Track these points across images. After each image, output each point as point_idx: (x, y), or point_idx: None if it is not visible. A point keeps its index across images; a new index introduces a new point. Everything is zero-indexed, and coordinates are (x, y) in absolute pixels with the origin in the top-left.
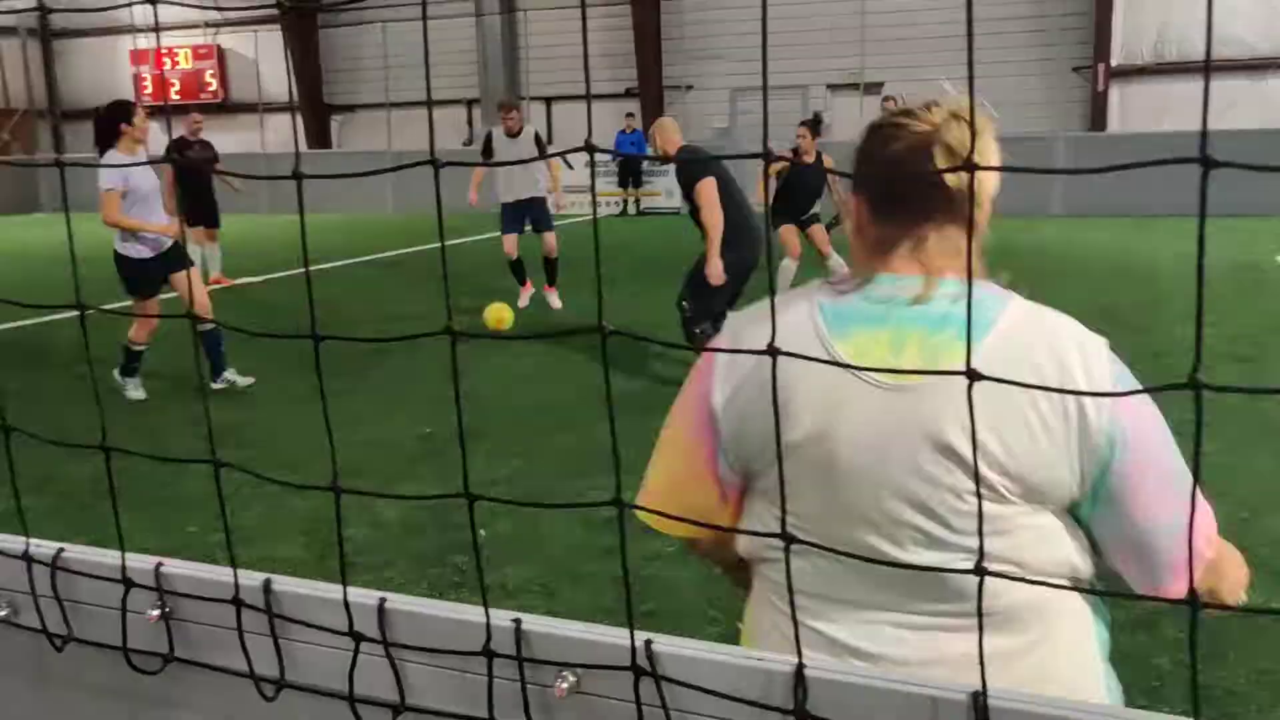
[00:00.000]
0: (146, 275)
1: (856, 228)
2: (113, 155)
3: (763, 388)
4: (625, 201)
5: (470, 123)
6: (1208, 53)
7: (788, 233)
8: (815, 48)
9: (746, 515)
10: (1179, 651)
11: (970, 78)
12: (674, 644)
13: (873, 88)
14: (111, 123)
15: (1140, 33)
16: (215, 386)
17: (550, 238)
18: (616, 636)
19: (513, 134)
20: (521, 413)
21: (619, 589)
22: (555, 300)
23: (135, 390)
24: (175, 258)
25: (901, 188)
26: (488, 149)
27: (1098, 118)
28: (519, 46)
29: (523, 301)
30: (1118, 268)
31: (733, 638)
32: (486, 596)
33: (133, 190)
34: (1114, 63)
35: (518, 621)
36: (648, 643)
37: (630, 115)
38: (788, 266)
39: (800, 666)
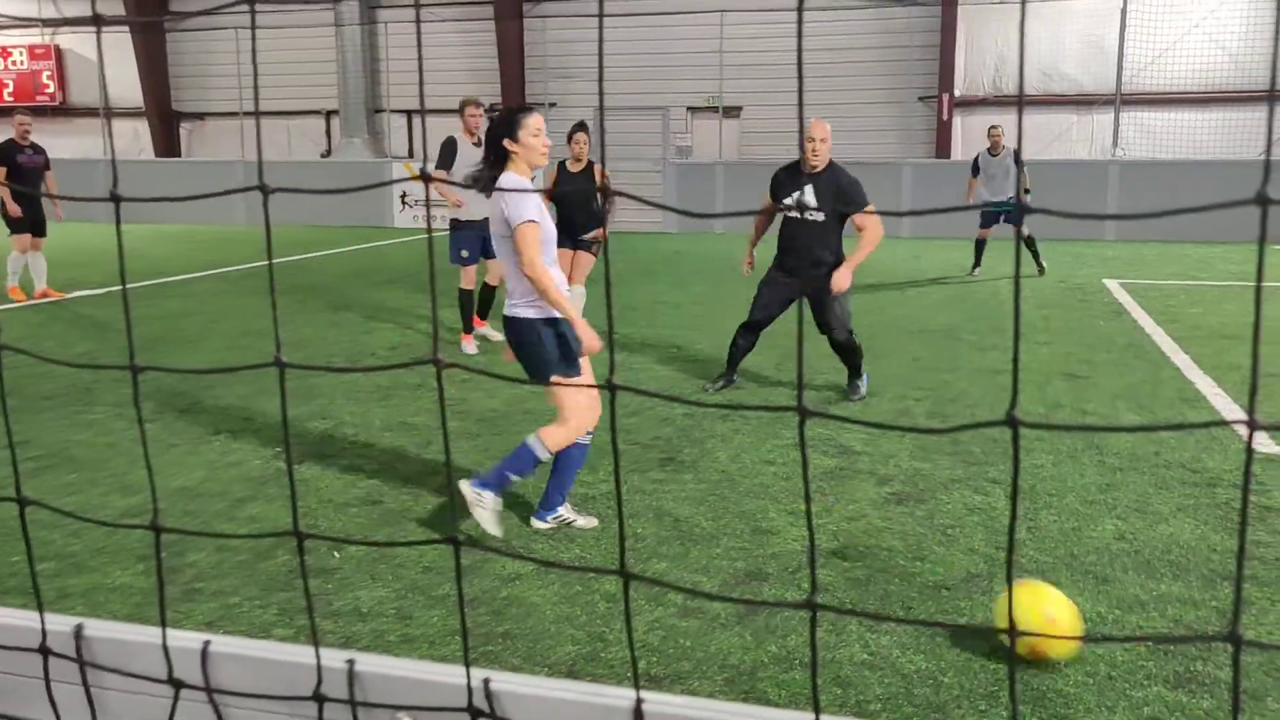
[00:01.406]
0: None
1: None
2: None
3: None
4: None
5: (329, 134)
6: (1021, 91)
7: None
8: (676, 70)
9: None
10: (1025, 665)
11: (803, 98)
12: (513, 681)
13: (731, 111)
14: None
15: (980, 67)
16: None
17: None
18: (453, 675)
19: (479, 139)
20: (377, 431)
21: (475, 610)
22: (494, 333)
23: None
24: None
25: None
26: (450, 157)
27: (942, 145)
28: (379, 59)
29: (470, 348)
30: (959, 287)
31: (591, 656)
32: (318, 638)
33: None
34: (957, 93)
35: (351, 663)
36: (486, 682)
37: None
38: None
39: (639, 701)
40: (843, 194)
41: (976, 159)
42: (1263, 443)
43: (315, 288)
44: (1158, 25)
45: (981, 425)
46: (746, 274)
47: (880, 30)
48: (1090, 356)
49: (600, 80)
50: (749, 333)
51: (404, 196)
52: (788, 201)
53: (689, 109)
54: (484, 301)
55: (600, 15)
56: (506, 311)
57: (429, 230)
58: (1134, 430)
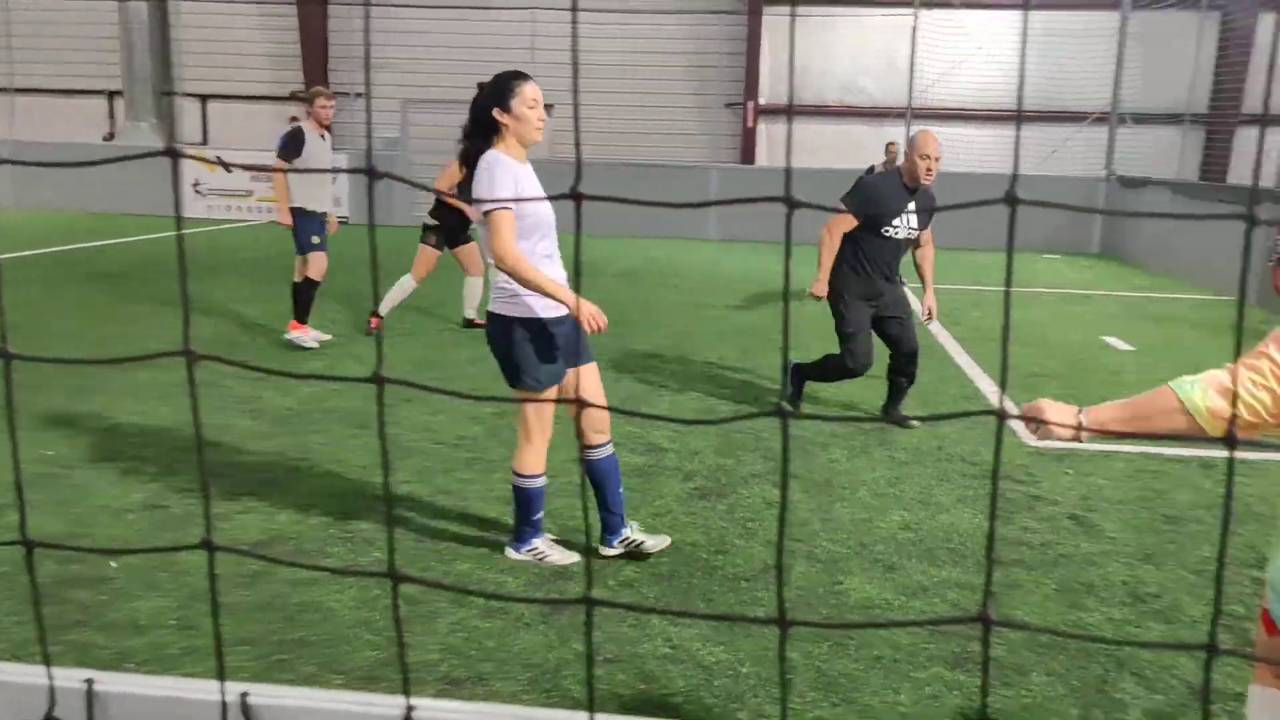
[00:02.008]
0: None
1: None
2: None
3: None
4: None
5: (111, 115)
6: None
7: (425, 250)
8: (488, 65)
9: None
10: (814, 644)
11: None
12: (275, 694)
13: (545, 108)
14: None
15: (784, 76)
16: None
17: (323, 258)
18: (205, 692)
19: (328, 130)
20: (157, 434)
21: (266, 615)
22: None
23: None
24: None
25: None
26: (298, 148)
27: (747, 151)
28: (171, 38)
29: (311, 341)
30: (761, 288)
31: (391, 661)
32: (49, 657)
33: None
34: (761, 101)
35: (90, 683)
36: (243, 696)
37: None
38: (405, 283)
39: (409, 708)
40: (930, 209)
41: (870, 170)
42: (1030, 436)
43: (114, 277)
44: (945, 45)
45: (749, 416)
46: (821, 296)
47: (688, 36)
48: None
49: (576, 76)
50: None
51: (196, 185)
52: (898, 223)
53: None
54: (305, 301)
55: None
56: (488, 307)
57: (373, 222)
58: (874, 421)
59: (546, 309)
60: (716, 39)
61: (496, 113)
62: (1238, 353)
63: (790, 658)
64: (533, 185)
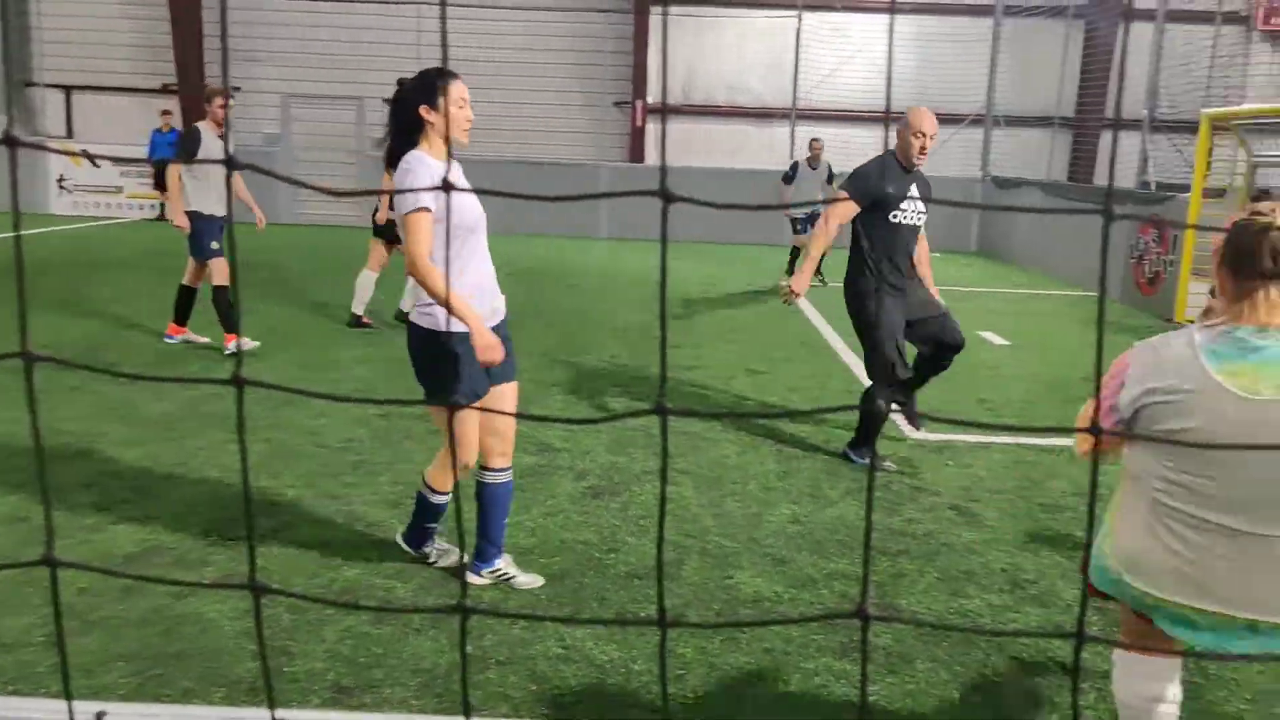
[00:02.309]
0: None
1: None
2: None
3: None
4: (161, 205)
5: None
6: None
7: (374, 244)
8: (372, 60)
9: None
10: (706, 639)
11: None
12: (136, 713)
13: None
14: None
15: (672, 76)
16: None
17: (224, 264)
18: (51, 712)
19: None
20: (21, 440)
21: (142, 630)
22: (197, 337)
23: None
24: None
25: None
26: (192, 148)
27: (636, 150)
28: (30, 26)
29: (236, 344)
30: (654, 287)
31: (274, 672)
32: None
33: None
34: (650, 100)
35: None
36: (99, 716)
37: (167, 113)
38: (367, 277)
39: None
40: (929, 192)
41: (795, 166)
42: (912, 428)
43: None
44: (827, 47)
45: (629, 415)
46: (798, 296)
47: (576, 35)
48: (769, 354)
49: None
50: (894, 387)
51: (61, 180)
52: (904, 206)
53: (385, 100)
54: (186, 305)
55: None
56: (412, 316)
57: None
58: (759, 417)
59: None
60: (604, 37)
61: (424, 110)
62: (1100, 346)
63: (683, 653)
64: (462, 182)
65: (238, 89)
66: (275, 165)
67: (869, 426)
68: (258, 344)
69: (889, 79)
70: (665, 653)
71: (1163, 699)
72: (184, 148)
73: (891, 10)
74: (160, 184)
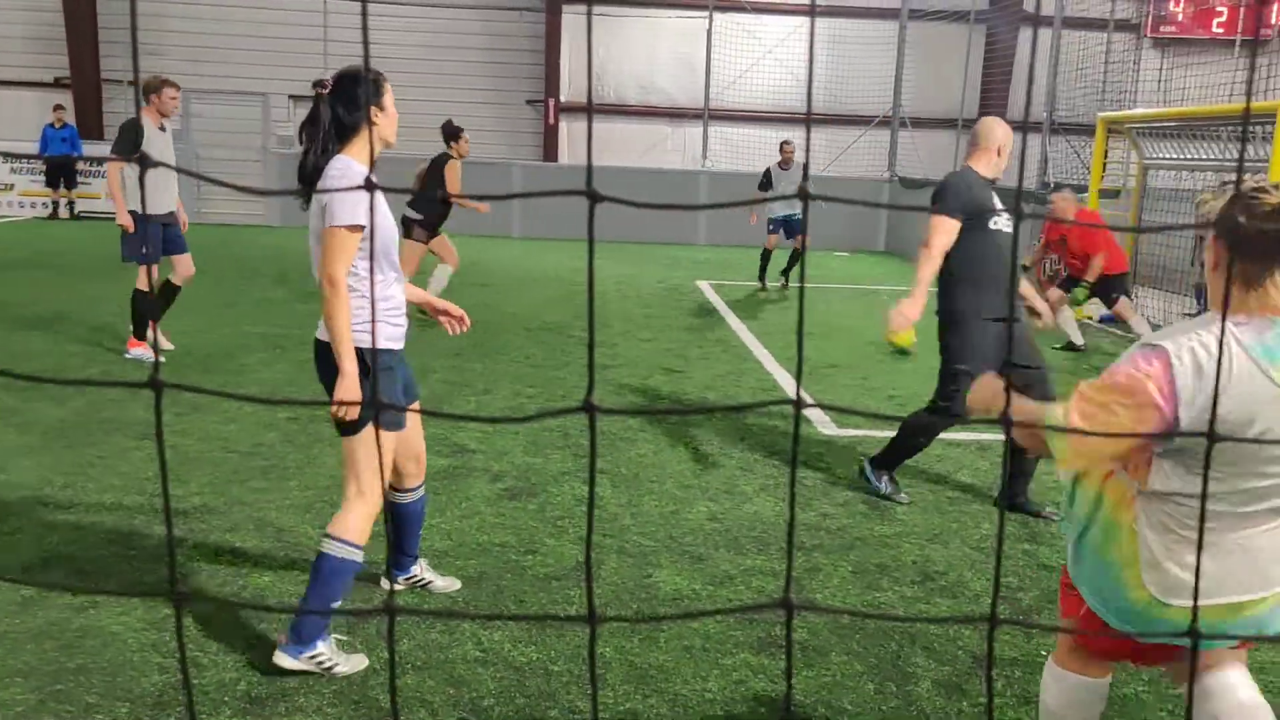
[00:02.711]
0: None
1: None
2: None
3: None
4: (55, 204)
5: None
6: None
7: (411, 246)
8: (276, 55)
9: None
10: (625, 638)
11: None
12: None
13: None
14: None
15: (583, 75)
16: None
17: (188, 260)
18: None
19: (164, 125)
20: None
21: (42, 644)
22: (166, 341)
23: None
24: None
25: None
26: (132, 142)
27: (550, 149)
28: None
29: (145, 353)
30: (568, 287)
31: (175, 687)
32: None
33: None
34: (562, 99)
35: None
36: None
37: (60, 108)
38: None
39: None
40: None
41: (767, 173)
42: (825, 424)
43: None
44: (738, 49)
45: (558, 413)
46: (902, 329)
47: (488, 32)
48: (685, 352)
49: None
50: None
51: None
52: (1000, 213)
53: (291, 97)
54: (167, 302)
55: None
56: (319, 334)
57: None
58: (681, 413)
59: (394, 339)
60: (517, 35)
61: (374, 111)
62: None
63: (603, 652)
64: (380, 198)
65: (133, 82)
66: (177, 162)
67: (900, 450)
68: (163, 360)
69: (810, 80)
70: (595, 652)
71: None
72: (126, 140)
73: (811, 13)
74: (54, 181)
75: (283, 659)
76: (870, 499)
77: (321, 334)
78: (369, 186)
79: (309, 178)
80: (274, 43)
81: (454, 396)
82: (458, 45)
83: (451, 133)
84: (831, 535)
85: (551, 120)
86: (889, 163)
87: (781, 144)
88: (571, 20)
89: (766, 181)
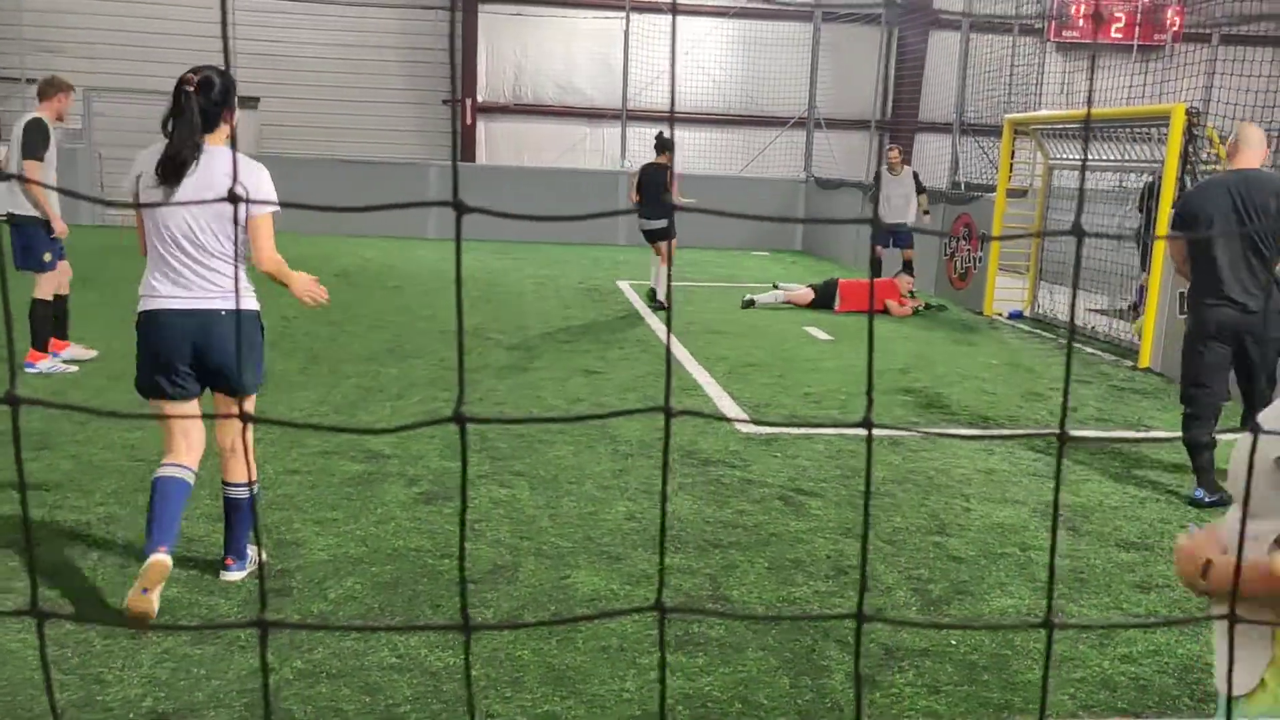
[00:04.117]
0: None
1: None
2: None
3: None
4: None
5: None
6: None
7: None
8: (182, 54)
9: None
10: (542, 640)
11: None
12: None
13: (247, 101)
14: None
15: (501, 75)
16: None
17: (67, 266)
18: None
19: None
20: None
21: None
22: (86, 350)
23: None
24: None
25: None
26: (44, 142)
27: (467, 149)
28: None
29: (49, 365)
30: (484, 289)
31: (86, 702)
32: None
33: None
34: (480, 99)
35: None
36: None
37: None
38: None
39: None
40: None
41: (877, 177)
42: (742, 423)
43: None
44: (655, 50)
45: (426, 424)
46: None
47: (402, 31)
48: (605, 353)
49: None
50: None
51: None
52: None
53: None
54: (63, 315)
55: None
56: (243, 304)
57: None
58: (559, 421)
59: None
60: (431, 35)
61: (228, 114)
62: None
63: (520, 655)
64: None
65: (31, 80)
66: (77, 163)
67: (1194, 460)
68: (75, 368)
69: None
70: (469, 656)
71: None
72: (32, 142)
73: (727, 14)
74: None
75: (234, 575)
76: (785, 495)
77: (247, 301)
78: (233, 199)
79: (179, 169)
80: (176, 40)
81: (367, 402)
82: (373, 45)
83: (665, 144)
84: (747, 532)
85: (468, 120)
86: (805, 163)
87: (886, 150)
88: (488, 20)
89: (875, 188)
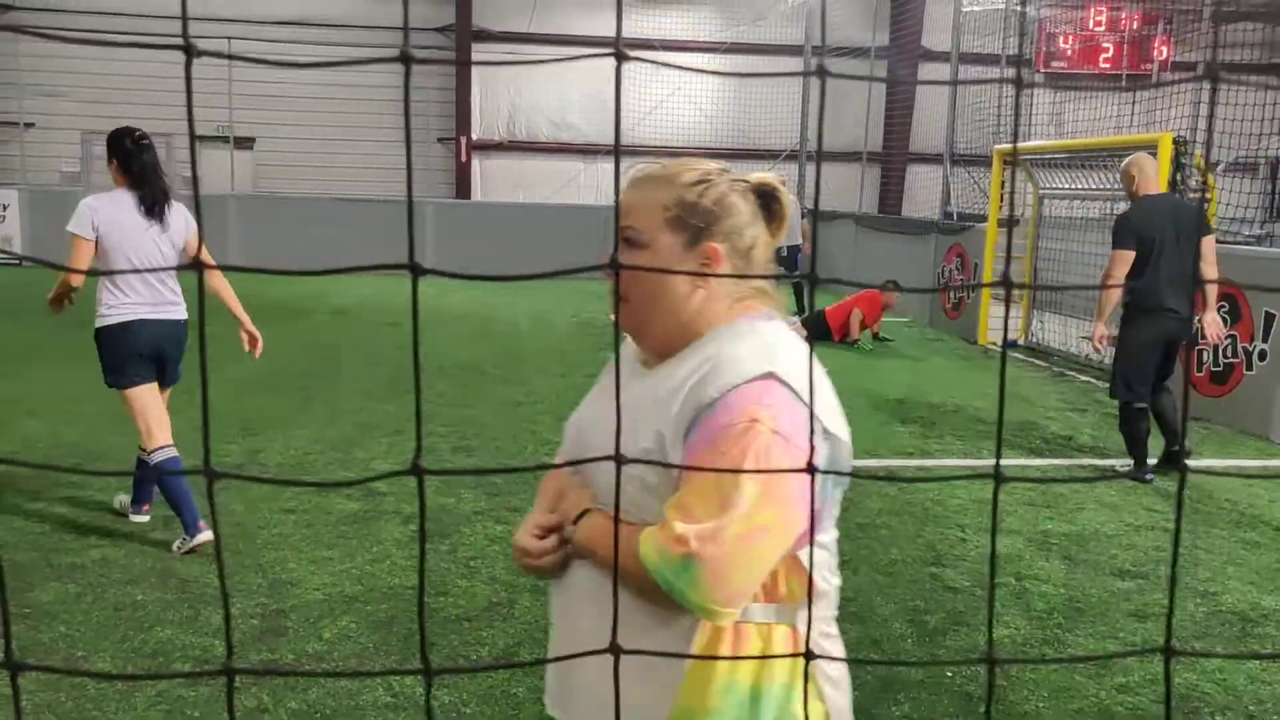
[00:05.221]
0: None
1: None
2: None
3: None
4: None
5: None
6: None
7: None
8: (179, 95)
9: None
10: (539, 677)
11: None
12: None
13: (244, 142)
14: None
15: (496, 112)
16: None
17: None
18: None
19: None
20: None
21: None
22: None
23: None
24: None
25: None
26: None
27: (463, 186)
28: None
29: None
30: (481, 324)
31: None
32: None
33: None
34: (475, 137)
35: None
36: None
37: None
38: None
39: None
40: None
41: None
42: None
43: None
44: (647, 85)
45: (383, 476)
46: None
47: (397, 70)
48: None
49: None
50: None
51: None
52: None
53: (196, 137)
54: None
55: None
56: (182, 313)
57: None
58: (522, 471)
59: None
60: (426, 74)
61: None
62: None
63: (516, 693)
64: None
65: (31, 124)
66: (75, 205)
67: (1136, 447)
68: None
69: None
70: (431, 699)
71: None
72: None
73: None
74: None
75: (138, 517)
76: None
77: (181, 311)
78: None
79: (163, 208)
80: (175, 82)
81: (365, 439)
82: (367, 84)
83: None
84: None
85: (464, 158)
86: (798, 195)
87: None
88: (480, 58)
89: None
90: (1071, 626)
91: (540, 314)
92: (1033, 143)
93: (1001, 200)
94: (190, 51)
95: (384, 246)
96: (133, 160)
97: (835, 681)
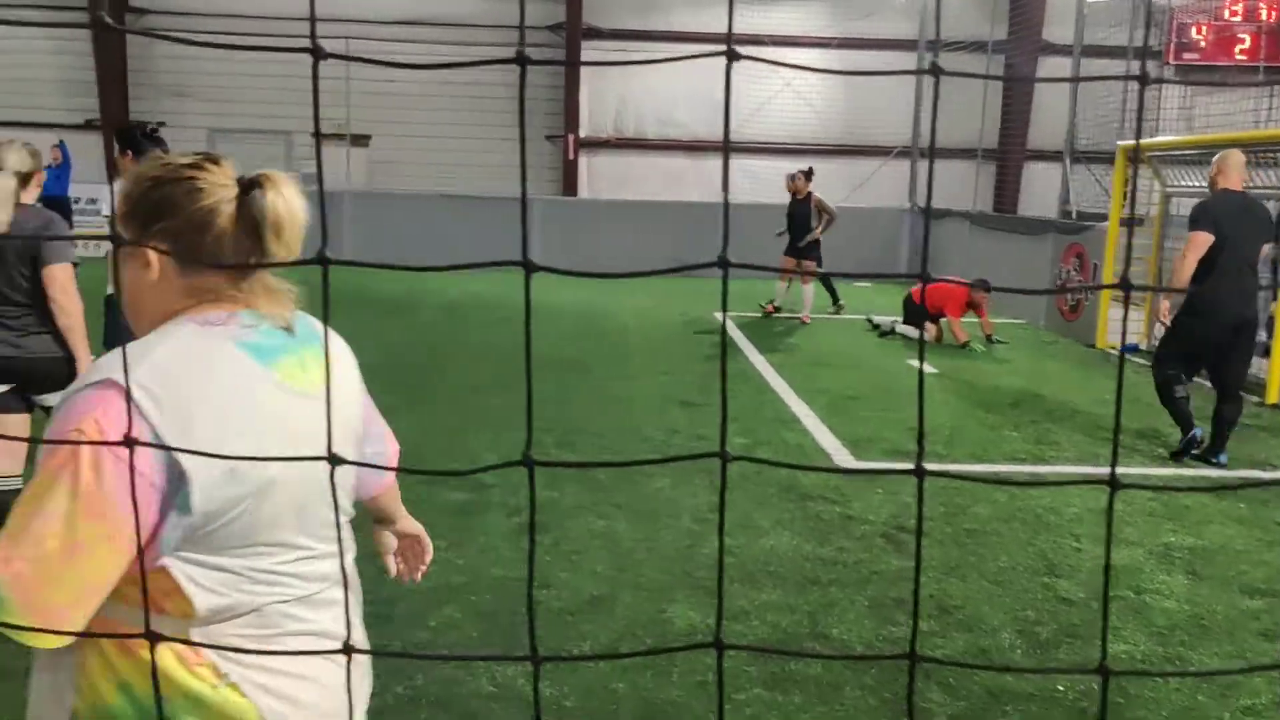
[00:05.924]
0: None
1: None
2: None
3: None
4: None
5: None
6: None
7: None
8: (301, 95)
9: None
10: (638, 673)
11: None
12: None
13: (360, 139)
14: None
15: (603, 111)
16: None
17: None
18: None
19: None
20: None
21: None
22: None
23: None
24: None
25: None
26: None
27: (569, 184)
28: None
29: None
30: (588, 321)
31: None
32: None
33: None
34: (582, 134)
35: None
36: None
37: (55, 146)
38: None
39: None
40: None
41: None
42: (844, 458)
43: None
44: (756, 81)
45: (496, 467)
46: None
47: (508, 70)
48: (704, 384)
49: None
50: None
51: None
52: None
53: (313, 134)
54: None
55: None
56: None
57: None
58: (623, 465)
59: None
60: (535, 72)
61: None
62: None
63: (615, 688)
64: None
65: (162, 124)
66: None
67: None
68: None
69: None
70: (539, 688)
71: None
72: None
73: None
74: None
75: None
76: (887, 533)
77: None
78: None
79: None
80: (298, 81)
81: (472, 431)
82: (479, 82)
83: (808, 177)
84: (848, 569)
85: (571, 155)
86: (909, 192)
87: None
88: (590, 56)
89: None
90: (1195, 645)
91: (646, 311)
92: (1160, 138)
93: (1125, 198)
94: (318, 54)
95: (493, 243)
96: (146, 152)
97: (275, 692)
